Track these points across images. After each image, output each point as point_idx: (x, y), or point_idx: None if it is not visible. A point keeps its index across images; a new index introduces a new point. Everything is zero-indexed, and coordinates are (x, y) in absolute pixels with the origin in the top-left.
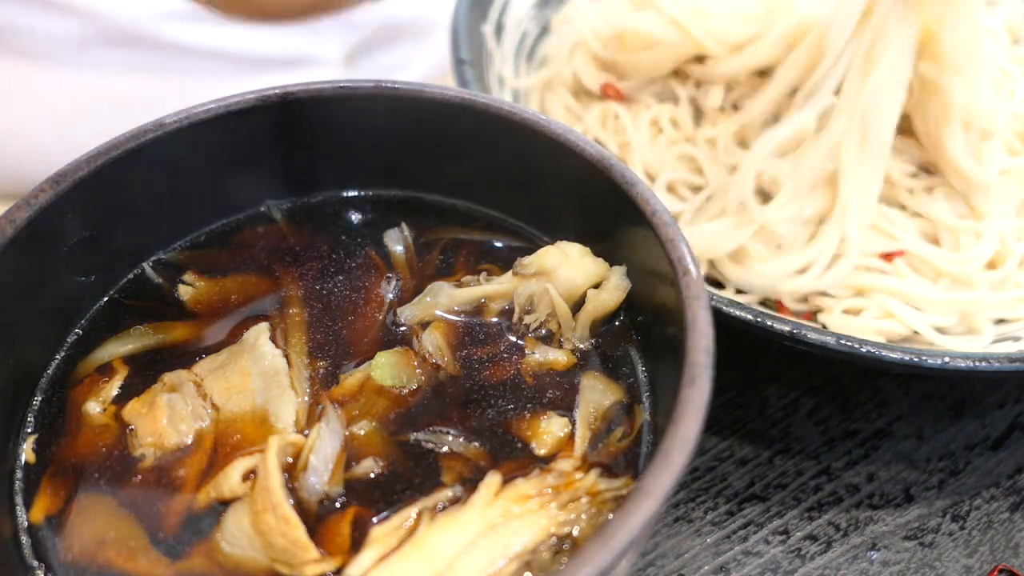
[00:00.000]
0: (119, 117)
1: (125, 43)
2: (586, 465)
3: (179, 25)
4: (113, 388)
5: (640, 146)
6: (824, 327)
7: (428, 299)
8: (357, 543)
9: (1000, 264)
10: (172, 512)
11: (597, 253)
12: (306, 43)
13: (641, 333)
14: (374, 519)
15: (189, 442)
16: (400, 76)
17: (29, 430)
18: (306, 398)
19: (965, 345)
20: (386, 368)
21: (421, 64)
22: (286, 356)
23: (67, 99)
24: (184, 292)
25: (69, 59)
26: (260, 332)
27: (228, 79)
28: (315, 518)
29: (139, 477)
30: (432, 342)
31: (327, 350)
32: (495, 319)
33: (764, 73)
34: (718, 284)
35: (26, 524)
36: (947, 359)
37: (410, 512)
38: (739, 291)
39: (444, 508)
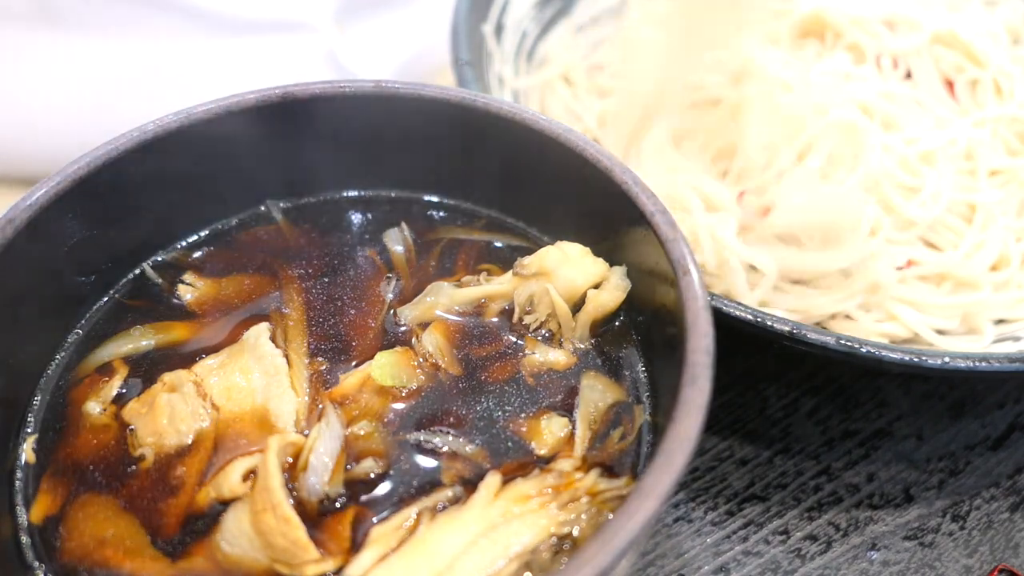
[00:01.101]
0: (111, 84)
1: (116, 8)
2: (586, 465)
3: None
4: (113, 388)
5: None
6: (825, 328)
7: (428, 299)
8: (357, 543)
9: (1003, 266)
10: (172, 512)
11: (597, 253)
12: (295, 2)
13: (641, 333)
14: (374, 519)
15: (189, 442)
16: (393, 46)
17: (29, 430)
18: (306, 398)
19: (965, 345)
20: (386, 368)
21: (413, 34)
22: (286, 356)
23: (55, 67)
24: (184, 292)
25: (57, 26)
26: (260, 332)
27: (220, 43)
28: (315, 518)
29: (139, 477)
30: (432, 342)
31: (327, 350)
32: (495, 319)
33: None
34: None
35: (26, 524)
36: (947, 359)
37: (410, 512)
38: None
39: (444, 508)
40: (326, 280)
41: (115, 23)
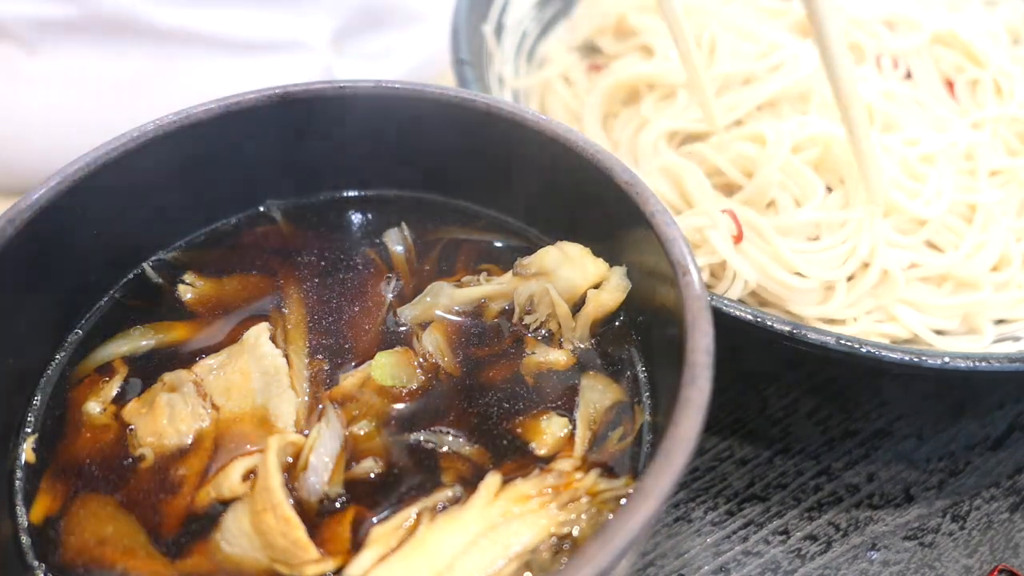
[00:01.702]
0: (109, 103)
1: (113, 28)
2: (586, 465)
3: (166, 8)
4: (113, 388)
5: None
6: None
7: (428, 299)
8: (357, 543)
9: (1003, 266)
10: (172, 512)
11: (597, 253)
12: (292, 24)
13: (641, 333)
14: (374, 519)
15: (189, 442)
16: (390, 63)
17: (29, 430)
18: (306, 398)
19: (965, 345)
20: (386, 368)
21: (412, 52)
22: (286, 356)
23: (53, 85)
24: (184, 292)
25: (56, 44)
26: (260, 332)
27: (217, 62)
28: (315, 518)
29: (139, 477)
30: (432, 342)
31: (327, 350)
32: (495, 319)
33: None
34: None
35: (26, 524)
36: (947, 359)
37: (410, 512)
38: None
39: (444, 508)
40: (326, 280)
41: (113, 44)
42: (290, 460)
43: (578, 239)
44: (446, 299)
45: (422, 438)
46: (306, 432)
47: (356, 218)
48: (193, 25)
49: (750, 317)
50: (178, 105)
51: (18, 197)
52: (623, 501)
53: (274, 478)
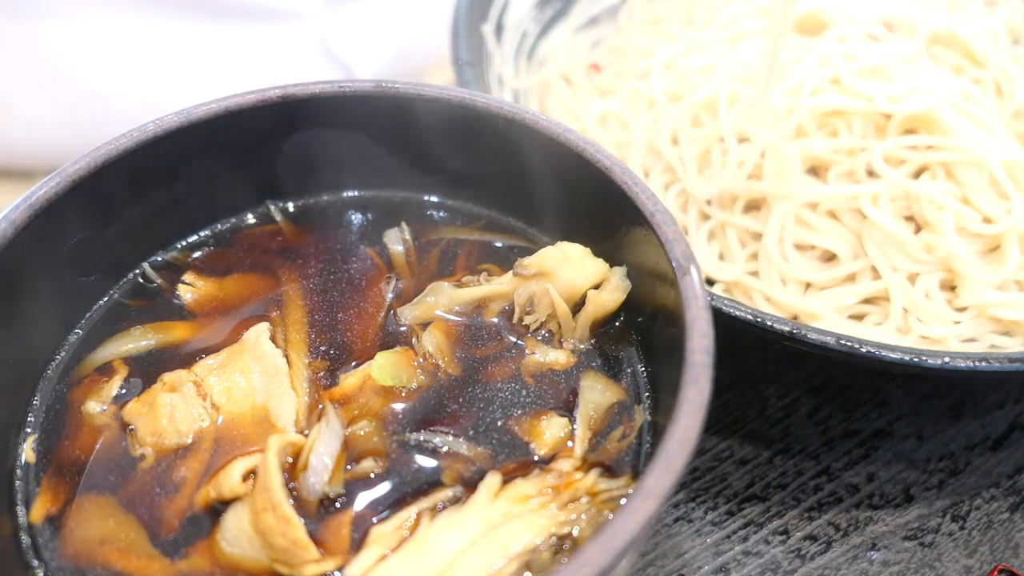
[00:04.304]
0: (94, 71)
1: None
2: (586, 465)
3: None
4: (113, 388)
5: (639, 146)
6: None
7: (428, 299)
8: (357, 543)
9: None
10: (172, 512)
11: (597, 253)
12: None
13: (641, 333)
14: (374, 519)
15: (189, 442)
16: (388, 31)
17: (29, 430)
18: (306, 398)
19: (965, 345)
20: (386, 368)
21: (409, 18)
22: (286, 356)
23: (43, 51)
24: (184, 292)
25: (46, 12)
26: (260, 332)
27: (207, 28)
28: (315, 518)
29: (139, 477)
30: (432, 342)
31: (327, 350)
32: (495, 319)
33: None
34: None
35: (26, 524)
36: (947, 359)
37: (410, 512)
38: None
39: (444, 508)
40: (326, 280)
41: (104, 13)
42: (290, 460)
43: (578, 239)
44: (446, 299)
45: (422, 438)
46: (306, 432)
47: (356, 218)
48: None
49: (750, 317)
50: (174, 76)
51: (9, 176)
52: (623, 501)
53: (274, 478)
